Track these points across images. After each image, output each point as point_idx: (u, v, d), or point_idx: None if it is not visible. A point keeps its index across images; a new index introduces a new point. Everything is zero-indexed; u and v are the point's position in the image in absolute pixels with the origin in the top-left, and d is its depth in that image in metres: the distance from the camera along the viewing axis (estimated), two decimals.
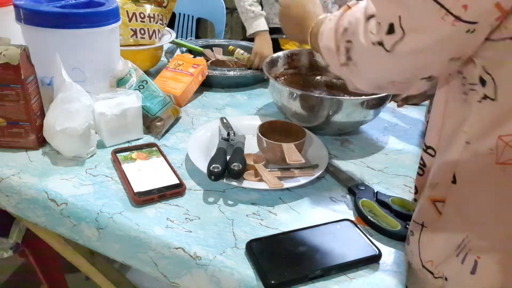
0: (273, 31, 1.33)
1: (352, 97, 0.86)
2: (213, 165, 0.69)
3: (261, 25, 1.27)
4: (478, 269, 0.49)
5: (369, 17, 0.48)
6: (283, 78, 1.03)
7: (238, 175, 0.69)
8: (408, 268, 0.59)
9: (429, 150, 0.57)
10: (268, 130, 0.79)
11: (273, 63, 1.01)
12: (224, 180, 0.69)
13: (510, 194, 0.46)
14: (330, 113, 0.83)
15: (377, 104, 0.86)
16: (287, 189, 0.71)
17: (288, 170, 0.73)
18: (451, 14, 0.41)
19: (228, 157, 0.73)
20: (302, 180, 0.71)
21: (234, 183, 0.68)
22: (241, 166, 0.69)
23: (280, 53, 1.05)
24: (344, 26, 0.53)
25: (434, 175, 0.54)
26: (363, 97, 0.82)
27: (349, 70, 0.55)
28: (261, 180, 0.70)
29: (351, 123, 0.88)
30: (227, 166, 0.69)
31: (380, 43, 0.47)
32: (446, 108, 0.52)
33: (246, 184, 0.69)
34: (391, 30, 0.45)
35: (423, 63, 0.47)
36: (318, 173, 0.72)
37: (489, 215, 0.48)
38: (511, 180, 0.46)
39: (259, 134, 0.76)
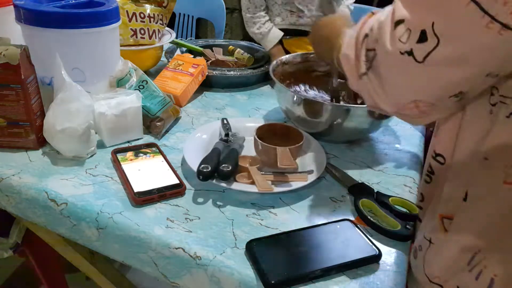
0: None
1: (360, 105, 0.82)
2: (203, 165, 0.68)
3: (270, 41, 1.31)
4: (494, 286, 0.47)
5: (397, 23, 0.43)
6: (291, 79, 0.98)
7: (227, 176, 0.67)
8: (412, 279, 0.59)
9: (439, 158, 0.55)
10: (267, 133, 0.78)
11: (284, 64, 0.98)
12: (214, 181, 0.68)
13: None
14: (335, 121, 0.80)
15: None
16: (280, 192, 0.70)
17: (282, 175, 0.71)
18: (498, 21, 0.36)
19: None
20: (294, 186, 0.69)
21: (224, 184, 0.68)
22: (230, 168, 0.68)
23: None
24: (365, 32, 0.48)
25: (448, 191, 0.53)
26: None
27: (369, 83, 0.50)
28: (253, 182, 0.68)
29: (359, 129, 0.85)
30: (218, 166, 0.68)
31: (410, 53, 0.42)
32: (463, 117, 0.49)
33: (235, 186, 0.68)
34: (423, 38, 0.40)
35: (457, 77, 0.42)
36: (311, 180, 0.70)
37: (498, 231, 0.47)
38: None
39: (255, 136, 0.75)
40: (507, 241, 0.47)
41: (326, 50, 0.72)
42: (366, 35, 0.48)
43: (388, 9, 0.46)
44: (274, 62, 0.95)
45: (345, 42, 0.54)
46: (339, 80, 0.89)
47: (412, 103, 0.47)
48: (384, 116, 0.81)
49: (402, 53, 0.42)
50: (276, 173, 0.72)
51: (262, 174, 0.71)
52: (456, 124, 0.51)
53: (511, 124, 0.43)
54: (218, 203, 0.67)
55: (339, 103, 0.91)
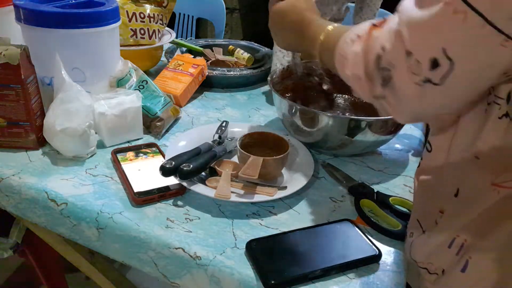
0: None
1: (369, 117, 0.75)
2: (168, 160, 0.67)
3: None
4: (469, 266, 0.50)
5: (408, 53, 0.42)
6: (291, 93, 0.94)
7: (185, 176, 0.66)
8: (408, 265, 0.59)
9: (427, 145, 0.57)
10: (259, 140, 0.76)
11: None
12: (177, 180, 0.67)
13: (504, 212, 0.47)
14: (334, 133, 0.75)
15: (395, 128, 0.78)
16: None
17: (252, 185, 0.69)
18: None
19: None
20: (256, 198, 0.66)
21: (184, 184, 0.66)
22: (190, 167, 0.66)
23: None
24: (376, 53, 0.46)
25: (442, 186, 0.54)
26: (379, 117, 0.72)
27: (385, 103, 0.48)
28: None
29: (368, 142, 0.79)
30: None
31: (427, 80, 0.41)
32: (463, 116, 0.49)
33: (194, 187, 0.66)
34: (434, 65, 0.40)
35: (475, 87, 0.42)
36: (276, 196, 0.66)
37: (484, 229, 0.49)
38: (504, 201, 0.46)
39: (237, 143, 0.73)
40: (490, 237, 0.48)
41: (297, 41, 0.68)
42: (379, 56, 0.46)
43: (393, 24, 0.44)
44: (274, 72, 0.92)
45: (349, 58, 0.51)
46: (301, 61, 0.86)
47: (433, 116, 0.48)
48: (394, 131, 0.79)
49: (418, 84, 0.42)
50: (249, 182, 0.69)
51: (234, 181, 0.69)
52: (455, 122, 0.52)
53: (502, 126, 0.44)
54: (218, 203, 0.67)
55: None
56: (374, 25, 0.49)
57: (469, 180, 0.49)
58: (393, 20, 0.45)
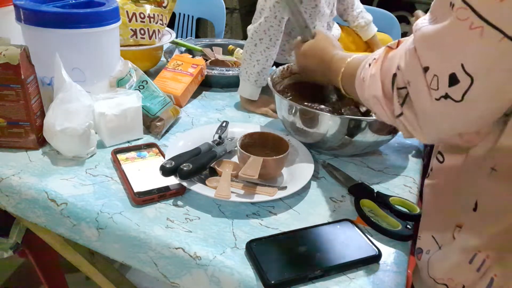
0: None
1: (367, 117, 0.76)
2: (168, 160, 0.67)
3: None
4: (494, 284, 0.47)
5: (425, 69, 0.42)
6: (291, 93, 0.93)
7: (185, 176, 0.66)
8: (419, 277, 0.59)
9: (439, 156, 0.55)
10: (259, 141, 0.76)
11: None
12: (177, 180, 0.67)
13: None
14: (335, 133, 0.75)
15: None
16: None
17: (252, 185, 0.68)
18: None
19: None
20: (256, 198, 0.66)
21: (184, 184, 0.67)
22: (190, 167, 0.66)
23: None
24: (392, 72, 0.47)
25: (458, 200, 0.52)
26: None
27: (406, 121, 0.48)
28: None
29: (368, 142, 0.78)
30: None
31: (446, 96, 0.41)
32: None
33: (194, 187, 0.66)
34: (453, 81, 0.39)
35: (498, 105, 0.41)
36: (276, 196, 0.66)
37: (506, 242, 0.47)
38: None
39: (237, 143, 0.73)
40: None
41: (320, 73, 0.74)
42: (395, 75, 0.46)
43: (408, 44, 0.44)
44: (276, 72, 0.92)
45: (367, 80, 0.52)
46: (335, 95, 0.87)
47: (456, 135, 0.47)
48: (394, 131, 0.79)
49: (438, 100, 0.41)
50: (249, 182, 0.69)
51: (234, 181, 0.69)
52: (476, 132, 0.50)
53: None
54: (218, 203, 0.67)
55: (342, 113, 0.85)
56: (389, 47, 0.50)
57: (488, 193, 0.47)
58: (408, 40, 0.45)
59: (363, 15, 1.33)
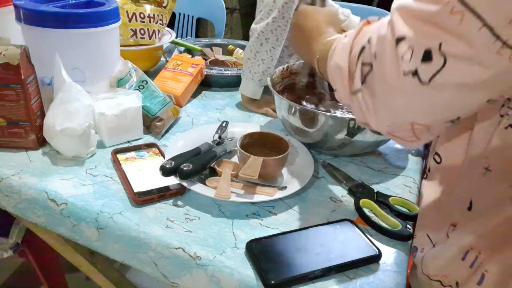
0: None
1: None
2: (168, 160, 0.67)
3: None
4: (485, 280, 0.48)
5: (398, 40, 0.39)
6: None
7: (185, 176, 0.66)
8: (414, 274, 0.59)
9: (436, 157, 0.55)
10: (259, 141, 0.76)
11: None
12: (177, 180, 0.67)
13: None
14: (331, 133, 0.75)
15: None
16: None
17: (252, 185, 0.68)
18: (509, 47, 0.34)
19: None
20: (256, 198, 0.66)
21: (184, 184, 0.66)
22: (191, 167, 0.66)
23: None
24: (362, 44, 0.44)
25: (452, 199, 0.53)
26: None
27: (362, 100, 0.46)
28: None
29: (368, 142, 0.78)
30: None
31: (415, 73, 0.38)
32: (477, 127, 0.48)
33: (195, 187, 0.66)
34: (427, 57, 0.37)
35: (461, 101, 0.39)
36: (276, 196, 0.66)
37: (500, 240, 0.47)
38: None
39: (237, 143, 0.73)
40: (508, 251, 0.47)
41: (306, 49, 0.67)
42: (363, 48, 0.44)
43: (386, 19, 0.42)
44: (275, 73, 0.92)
45: (336, 51, 0.50)
46: (307, 80, 0.87)
47: (408, 124, 0.44)
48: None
49: (405, 74, 0.39)
50: (249, 182, 0.69)
51: (234, 181, 0.69)
52: (465, 133, 0.50)
53: (509, 136, 0.43)
54: (218, 203, 0.67)
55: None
56: (368, 21, 0.48)
57: (483, 193, 0.48)
58: (386, 17, 0.44)
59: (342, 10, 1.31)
